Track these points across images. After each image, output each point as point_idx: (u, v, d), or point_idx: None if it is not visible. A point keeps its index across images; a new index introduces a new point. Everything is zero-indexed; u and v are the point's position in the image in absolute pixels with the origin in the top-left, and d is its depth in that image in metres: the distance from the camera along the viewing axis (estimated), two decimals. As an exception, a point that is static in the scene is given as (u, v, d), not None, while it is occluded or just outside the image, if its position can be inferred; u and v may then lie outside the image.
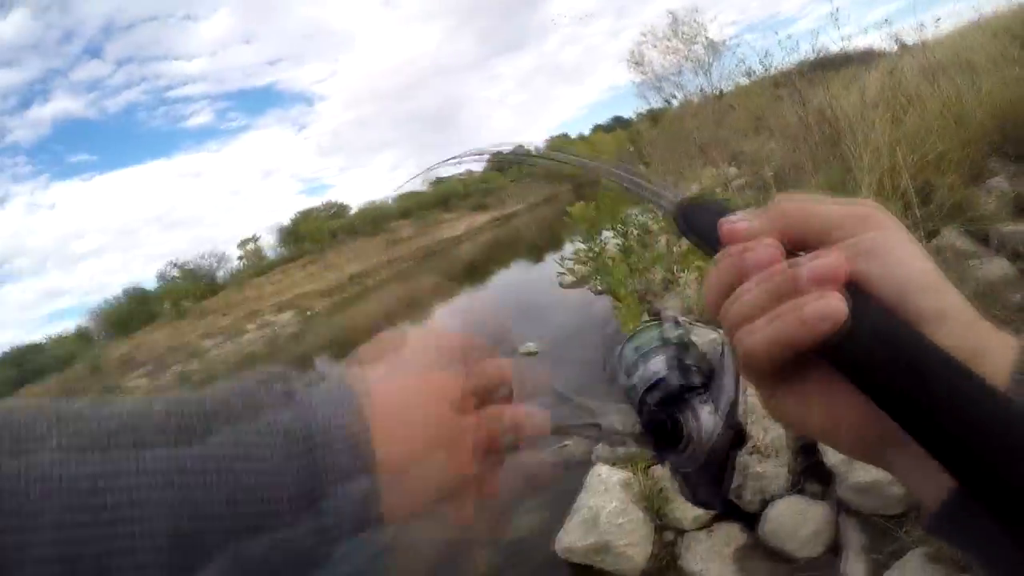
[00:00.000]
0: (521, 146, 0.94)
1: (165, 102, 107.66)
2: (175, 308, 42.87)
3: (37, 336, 48.74)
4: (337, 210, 57.52)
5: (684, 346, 0.67)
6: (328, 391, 0.47)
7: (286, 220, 57.04)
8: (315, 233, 51.21)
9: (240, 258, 53.91)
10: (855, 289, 0.41)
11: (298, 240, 51.97)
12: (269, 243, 55.34)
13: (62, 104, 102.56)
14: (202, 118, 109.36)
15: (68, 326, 49.63)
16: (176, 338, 37.32)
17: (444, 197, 57.04)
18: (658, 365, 0.64)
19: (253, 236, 55.75)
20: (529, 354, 8.54)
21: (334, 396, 0.46)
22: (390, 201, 57.54)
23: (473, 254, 32.75)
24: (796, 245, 0.44)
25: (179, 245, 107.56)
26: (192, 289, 46.50)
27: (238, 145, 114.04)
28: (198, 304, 42.92)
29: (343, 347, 19.80)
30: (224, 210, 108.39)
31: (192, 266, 50.95)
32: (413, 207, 55.40)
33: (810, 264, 0.41)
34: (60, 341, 46.15)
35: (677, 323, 0.72)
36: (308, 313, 30.36)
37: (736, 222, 0.46)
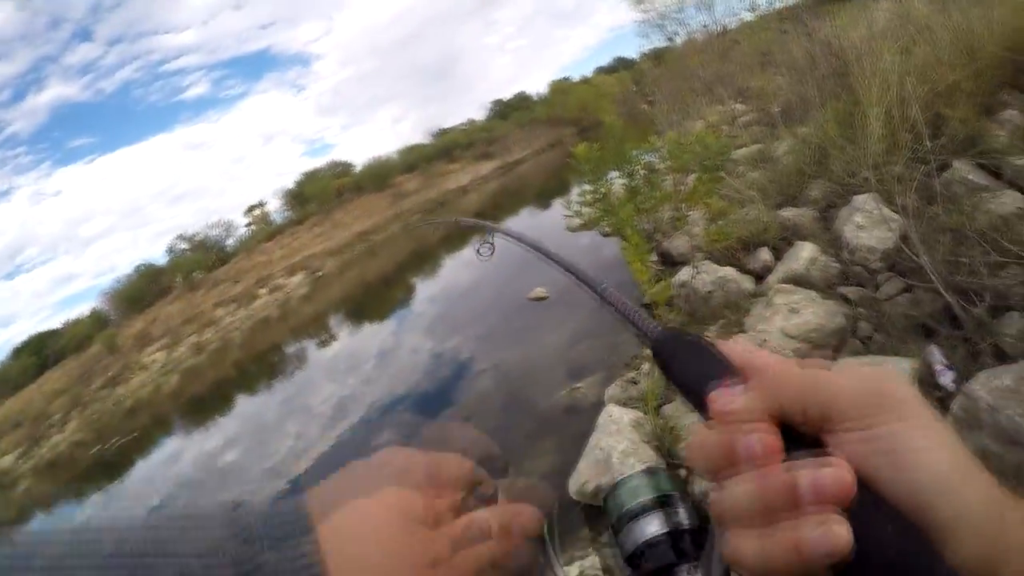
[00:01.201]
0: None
1: (160, 76, 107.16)
2: (186, 280, 43.17)
3: (53, 323, 49.72)
4: (342, 169, 57.32)
5: (677, 499, 0.63)
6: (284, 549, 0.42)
7: (291, 183, 57.09)
8: (321, 194, 51.15)
9: (248, 225, 54.19)
10: (863, 493, 0.37)
11: (304, 202, 51.98)
12: (275, 208, 55.52)
13: (57, 91, 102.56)
14: (199, 89, 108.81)
15: (83, 309, 50.53)
16: (189, 310, 37.66)
17: (447, 148, 56.64)
18: (651, 527, 0.60)
19: (259, 202, 55.91)
20: (539, 298, 8.62)
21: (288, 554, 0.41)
22: (394, 156, 57.41)
23: (479, 203, 32.61)
24: (798, 420, 0.41)
25: (186, 218, 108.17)
26: (202, 260, 46.78)
27: (237, 113, 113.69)
28: (209, 274, 43.17)
29: (353, 305, 19.80)
30: (228, 179, 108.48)
31: (201, 237, 51.14)
32: (417, 160, 55.12)
33: (812, 476, 0.37)
34: (76, 325, 47.15)
35: (668, 473, 0.67)
36: (318, 274, 30.41)
37: (728, 401, 0.43)
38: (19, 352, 48.05)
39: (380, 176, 52.62)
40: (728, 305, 4.98)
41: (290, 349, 18.92)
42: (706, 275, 5.29)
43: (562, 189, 17.01)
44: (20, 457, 32.47)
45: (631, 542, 0.60)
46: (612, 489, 0.65)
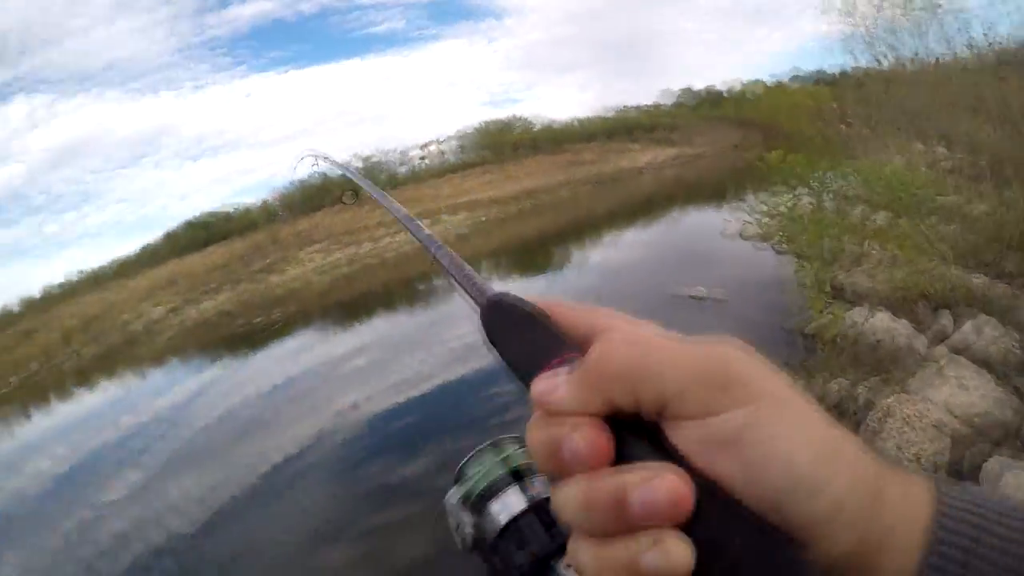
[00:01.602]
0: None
1: (358, 7, 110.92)
2: (354, 196, 44.90)
3: (226, 207, 54.05)
4: (521, 125, 57.75)
5: (532, 468, 0.59)
6: None
7: (470, 128, 58.19)
8: (497, 144, 51.83)
9: (422, 159, 55.61)
10: (709, 497, 0.33)
11: (480, 149, 52.85)
12: (451, 148, 56.79)
13: (260, 5, 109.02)
14: (394, 24, 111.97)
15: (255, 200, 54.57)
16: (353, 223, 39.17)
17: (629, 127, 56.04)
18: (511, 504, 0.56)
19: (436, 139, 57.21)
20: (698, 298, 8.53)
21: None
22: (575, 123, 57.35)
23: (653, 188, 32.33)
24: (631, 408, 0.36)
25: (364, 140, 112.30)
26: (371, 179, 48.50)
27: (427, 53, 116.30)
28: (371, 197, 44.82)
29: (507, 255, 20.09)
30: (410, 114, 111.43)
31: (376, 159, 53.03)
32: (598, 131, 54.79)
33: (642, 489, 0.33)
34: (246, 212, 50.53)
35: (519, 442, 0.62)
36: (481, 218, 31.06)
37: (547, 390, 0.38)
38: (191, 225, 52.17)
39: (558, 140, 52.70)
40: (894, 360, 4.72)
41: (438, 281, 19.50)
42: (878, 322, 5.14)
43: (736, 193, 16.71)
44: (170, 312, 35.38)
45: (493, 526, 0.57)
46: (459, 472, 0.61)
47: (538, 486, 0.57)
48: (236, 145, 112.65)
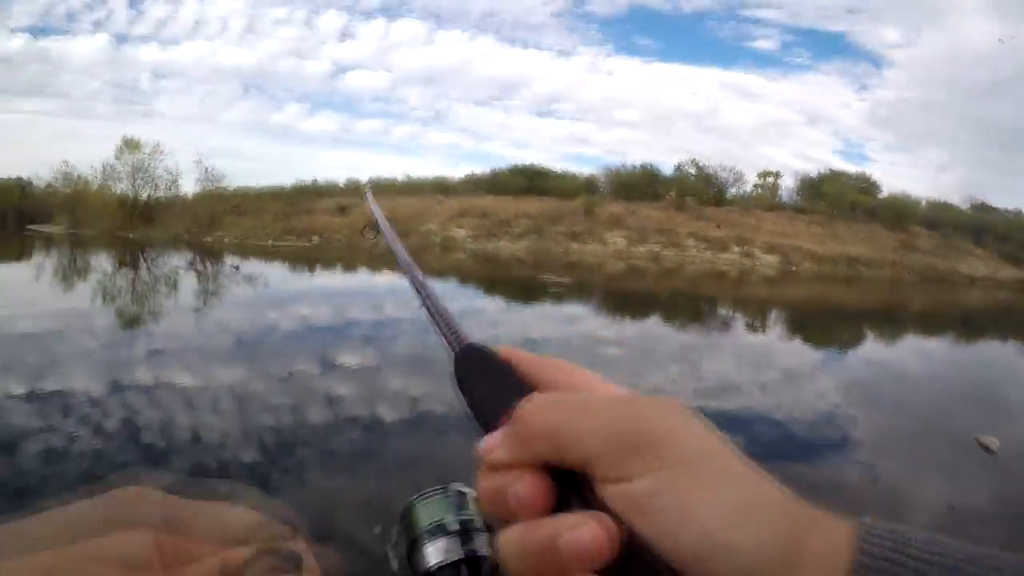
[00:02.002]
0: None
1: (736, 18, 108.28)
2: (678, 199, 44.91)
3: (553, 166, 57.02)
4: (867, 186, 54.32)
5: (480, 525, 0.59)
6: None
7: (813, 171, 55.75)
8: (836, 198, 49.26)
9: (755, 186, 54.35)
10: (632, 552, 0.35)
11: (816, 196, 50.60)
12: (787, 186, 54.88)
13: None
14: (767, 44, 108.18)
15: (583, 171, 57.19)
16: (666, 223, 39.38)
17: (980, 227, 50.75)
18: (448, 551, 0.57)
19: (775, 172, 55.53)
20: (986, 448, 7.30)
21: None
22: (923, 203, 53.14)
23: (977, 306, 29.18)
24: (562, 464, 0.38)
25: (704, 148, 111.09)
26: (700, 191, 48.15)
27: (792, 82, 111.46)
28: (699, 206, 44.41)
29: (802, 315, 19.03)
30: (756, 138, 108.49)
31: (710, 171, 52.53)
32: (945, 221, 50.53)
33: (570, 536, 0.34)
34: (570, 178, 52.83)
35: (463, 496, 0.62)
36: (792, 268, 29.82)
37: (491, 445, 0.40)
38: (517, 170, 55.51)
39: (899, 216, 48.92)
40: None
41: (723, 310, 19.09)
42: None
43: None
44: (469, 238, 37.88)
45: (423, 564, 0.57)
46: (408, 508, 0.61)
47: (478, 543, 0.58)
48: (583, 115, 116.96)
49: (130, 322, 14.15)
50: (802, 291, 25.15)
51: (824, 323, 18.27)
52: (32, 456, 6.00)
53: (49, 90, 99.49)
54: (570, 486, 0.38)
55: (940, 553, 0.32)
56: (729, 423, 7.40)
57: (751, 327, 16.31)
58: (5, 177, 52.63)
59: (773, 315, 18.73)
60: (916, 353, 14.29)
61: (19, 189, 51.72)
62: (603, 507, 0.36)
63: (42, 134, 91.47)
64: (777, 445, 6.91)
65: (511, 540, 0.37)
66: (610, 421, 0.37)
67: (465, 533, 0.58)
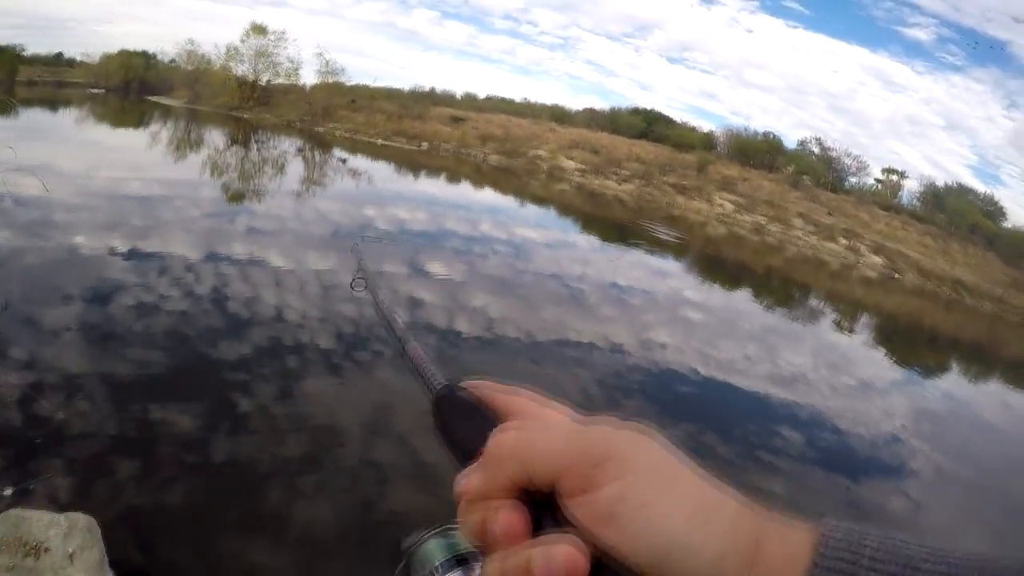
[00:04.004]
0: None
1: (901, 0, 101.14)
2: (795, 174, 43.70)
3: (674, 115, 56.20)
4: (993, 210, 51.53)
5: (476, 556, 0.62)
6: None
7: (940, 180, 53.32)
8: (959, 215, 47.00)
9: (877, 181, 52.32)
10: (602, 567, 0.38)
11: (937, 207, 48.42)
12: (909, 188, 52.65)
13: None
14: (920, 34, 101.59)
15: (704, 126, 56.09)
16: (776, 197, 38.40)
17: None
18: None
19: (900, 171, 53.27)
20: None
21: None
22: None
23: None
24: (534, 488, 0.41)
25: (831, 127, 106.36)
26: (817, 172, 46.69)
27: (937, 80, 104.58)
28: (814, 188, 43.14)
29: (892, 332, 18.48)
30: (892, 131, 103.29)
31: (833, 154, 50.71)
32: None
33: (543, 560, 0.37)
34: (689, 131, 51.97)
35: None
36: (895, 275, 28.89)
37: (466, 482, 0.43)
38: (636, 112, 54.98)
39: (1020, 250, 46.18)
40: None
41: (814, 302, 18.77)
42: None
43: None
44: (576, 171, 37.87)
45: None
46: (408, 557, 0.63)
47: (478, 571, 0.61)
48: (715, 69, 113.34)
49: (234, 197, 14.87)
50: (899, 302, 24.21)
51: (913, 342, 17.65)
52: (123, 310, 6.56)
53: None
54: (544, 508, 0.41)
55: (894, 551, 0.34)
56: (788, 417, 7.53)
57: (838, 326, 15.96)
58: (132, 49, 55.02)
59: (863, 319, 18.29)
60: (998, 401, 13.19)
61: (144, 61, 54.12)
62: (574, 525, 0.39)
63: (171, 11, 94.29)
64: (830, 452, 6.91)
65: (493, 570, 0.40)
66: (573, 438, 0.41)
67: (465, 563, 0.62)
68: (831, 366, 10.80)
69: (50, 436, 4.27)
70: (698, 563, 0.35)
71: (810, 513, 0.40)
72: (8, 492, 3.59)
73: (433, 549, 0.61)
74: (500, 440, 0.43)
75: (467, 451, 0.46)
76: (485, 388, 0.51)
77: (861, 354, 13.06)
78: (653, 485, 0.38)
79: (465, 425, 0.48)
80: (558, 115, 53.92)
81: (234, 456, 4.44)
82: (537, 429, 0.43)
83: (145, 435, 4.51)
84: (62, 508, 3.12)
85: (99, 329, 6.05)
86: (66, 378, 5.02)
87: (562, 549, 0.37)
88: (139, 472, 4.10)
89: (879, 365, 12.46)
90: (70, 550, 2.84)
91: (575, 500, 0.39)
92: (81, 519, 2.98)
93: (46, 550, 2.79)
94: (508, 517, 0.40)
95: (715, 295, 15.34)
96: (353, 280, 0.99)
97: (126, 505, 3.77)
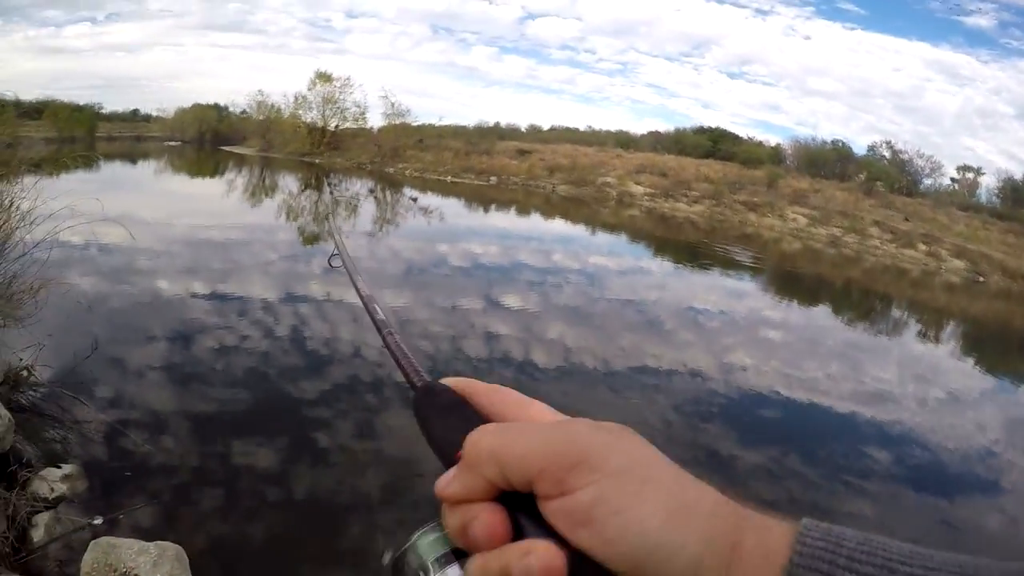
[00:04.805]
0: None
1: None
2: (867, 181, 42.65)
3: (740, 131, 55.56)
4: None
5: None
6: None
7: (1018, 173, 50.92)
8: (1045, 210, 45.01)
9: (953, 181, 50.50)
10: (580, 568, 0.38)
11: (1018, 202, 46.29)
12: (988, 186, 50.50)
13: None
14: (981, 21, 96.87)
15: (770, 139, 55.31)
16: (849, 206, 37.46)
17: None
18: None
19: (976, 168, 51.17)
20: None
21: None
22: None
23: None
24: (513, 488, 0.42)
25: (900, 132, 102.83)
26: (890, 176, 45.33)
27: (1004, 68, 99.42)
28: (888, 194, 42.02)
29: (979, 340, 17.85)
30: (961, 125, 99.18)
31: (905, 156, 49.14)
32: None
33: (520, 565, 0.37)
34: (756, 146, 51.51)
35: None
36: (979, 279, 27.89)
37: (445, 483, 0.44)
38: (701, 131, 54.67)
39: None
40: None
41: (896, 312, 18.37)
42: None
43: None
44: (646, 196, 37.93)
45: None
46: (402, 554, 0.59)
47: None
48: (776, 80, 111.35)
49: (309, 239, 15.48)
50: (985, 306, 23.22)
51: (1003, 348, 16.90)
52: (205, 349, 7.06)
53: (247, 27, 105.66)
54: (524, 510, 0.41)
55: (872, 551, 0.34)
56: (874, 435, 7.48)
57: (923, 336, 15.65)
58: (204, 103, 57.53)
59: (949, 327, 17.80)
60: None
61: (217, 113, 56.37)
62: (552, 526, 0.40)
63: (239, 66, 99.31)
64: (919, 470, 6.83)
65: (474, 572, 0.41)
66: (548, 441, 0.41)
67: (464, 558, 0.56)
68: (917, 379, 10.67)
69: (137, 469, 4.61)
70: (675, 564, 0.36)
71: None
72: (99, 521, 3.87)
73: (425, 545, 0.53)
74: (476, 442, 0.43)
75: (446, 450, 0.47)
76: (466, 386, 0.52)
77: (948, 365, 12.76)
78: (628, 487, 0.38)
79: (445, 424, 0.49)
80: (623, 141, 53.84)
81: (314, 490, 4.69)
82: (513, 431, 0.43)
83: (228, 468, 4.84)
84: (149, 537, 3.35)
85: (182, 368, 6.50)
86: (152, 414, 5.43)
87: (540, 552, 0.38)
88: (222, 504, 4.40)
89: (968, 375, 12.17)
90: (159, 577, 2.97)
91: (552, 503, 0.39)
92: (170, 547, 3.21)
93: (135, 576, 2.95)
94: (487, 520, 0.41)
95: (794, 313, 15.26)
96: (330, 258, 1.06)
97: (210, 535, 4.03)
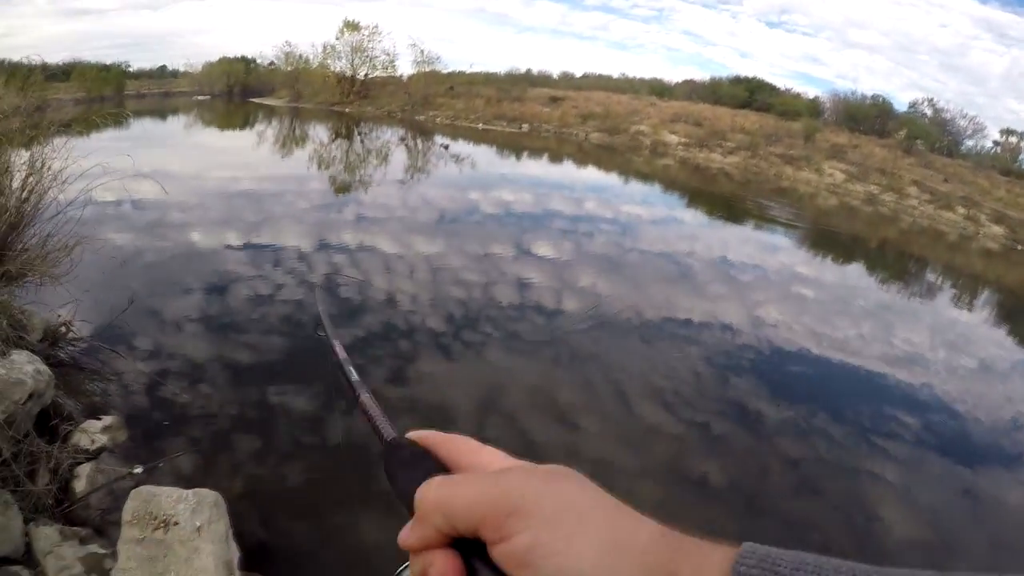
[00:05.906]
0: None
1: None
2: (907, 139, 41.81)
3: (777, 82, 54.52)
4: None
5: None
6: None
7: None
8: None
9: (995, 144, 49.23)
10: None
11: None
12: (1032, 147, 49.16)
13: None
14: None
15: (809, 92, 54.22)
16: (888, 164, 36.80)
17: None
18: None
19: (1021, 132, 49.73)
20: None
21: None
22: None
23: None
24: (462, 535, 0.44)
25: (943, 91, 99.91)
26: (930, 135, 44.35)
27: None
28: (928, 153, 41.19)
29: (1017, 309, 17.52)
30: (1009, 90, 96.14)
31: (947, 116, 47.98)
32: None
33: None
34: (794, 98, 50.37)
35: None
36: (1019, 246, 27.30)
37: (404, 535, 0.46)
38: (737, 81, 53.49)
39: None
40: None
41: (932, 276, 18.10)
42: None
43: None
44: (680, 145, 37.43)
45: None
46: None
47: None
48: (816, 31, 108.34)
49: (340, 188, 15.55)
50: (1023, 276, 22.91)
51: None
52: (240, 299, 7.21)
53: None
54: (478, 554, 0.44)
55: (806, 570, 0.34)
56: (903, 398, 7.46)
57: (957, 302, 15.32)
58: (232, 56, 57.46)
59: (985, 294, 17.47)
60: None
61: (245, 65, 56.21)
62: (500, 570, 0.42)
63: (263, 16, 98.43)
64: (945, 437, 6.78)
65: None
66: (488, 491, 0.43)
67: None
68: (949, 345, 10.51)
69: (176, 418, 4.77)
70: None
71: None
72: (139, 470, 3.99)
73: None
74: (424, 496, 0.46)
75: (408, 502, 0.49)
76: (426, 438, 0.54)
77: (981, 332, 12.54)
78: (562, 529, 0.40)
79: (406, 476, 0.51)
80: (657, 89, 52.89)
81: (349, 434, 4.79)
82: (456, 483, 0.46)
83: (264, 415, 4.98)
84: (188, 485, 3.42)
85: (218, 318, 6.66)
86: (188, 364, 5.59)
87: None
88: (259, 450, 4.54)
89: (1001, 345, 11.96)
90: (198, 523, 3.10)
91: (496, 548, 0.42)
92: (209, 495, 3.27)
93: (175, 523, 3.05)
94: (440, 567, 0.44)
95: (827, 270, 15.09)
96: (316, 329, 1.13)
97: (248, 481, 4.17)
